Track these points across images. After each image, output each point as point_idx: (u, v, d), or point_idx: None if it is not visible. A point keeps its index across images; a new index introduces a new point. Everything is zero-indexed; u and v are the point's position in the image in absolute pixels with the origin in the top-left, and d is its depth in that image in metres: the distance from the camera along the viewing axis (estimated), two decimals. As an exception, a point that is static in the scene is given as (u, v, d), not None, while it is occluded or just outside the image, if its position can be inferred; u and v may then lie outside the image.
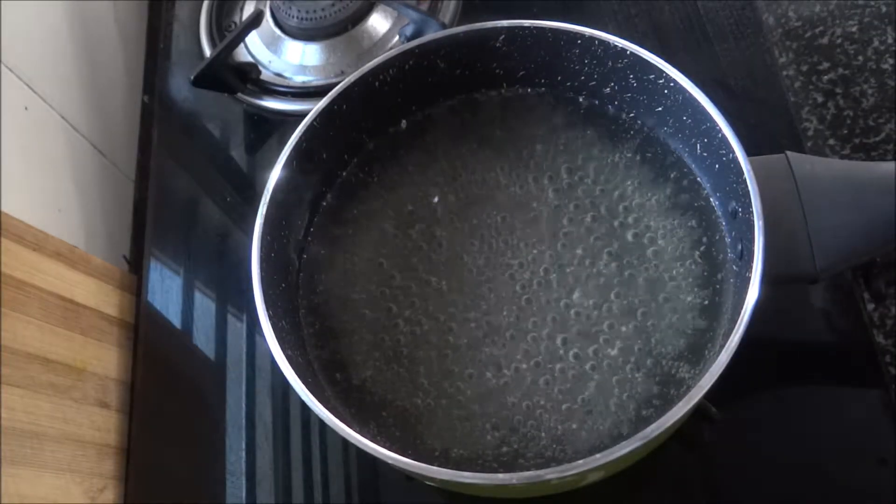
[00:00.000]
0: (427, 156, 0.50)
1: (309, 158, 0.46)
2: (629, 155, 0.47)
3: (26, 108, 0.55)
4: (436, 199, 0.48)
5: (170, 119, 0.66)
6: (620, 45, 0.44)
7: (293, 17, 0.62)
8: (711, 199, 0.45)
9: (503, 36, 0.47)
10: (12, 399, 0.45)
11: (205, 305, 0.57)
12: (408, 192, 0.49)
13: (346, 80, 0.46)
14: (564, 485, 0.40)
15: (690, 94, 0.42)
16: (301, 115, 0.46)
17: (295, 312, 0.46)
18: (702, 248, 0.44)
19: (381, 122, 0.50)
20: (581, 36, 0.45)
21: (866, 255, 0.42)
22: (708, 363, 0.40)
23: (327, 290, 0.47)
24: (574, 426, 0.41)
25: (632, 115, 0.48)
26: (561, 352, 0.43)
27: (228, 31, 0.67)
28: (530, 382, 0.42)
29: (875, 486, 0.44)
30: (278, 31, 0.64)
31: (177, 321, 0.58)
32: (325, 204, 0.49)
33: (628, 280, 0.44)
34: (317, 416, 0.38)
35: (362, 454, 0.37)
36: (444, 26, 0.58)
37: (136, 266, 0.63)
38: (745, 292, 0.37)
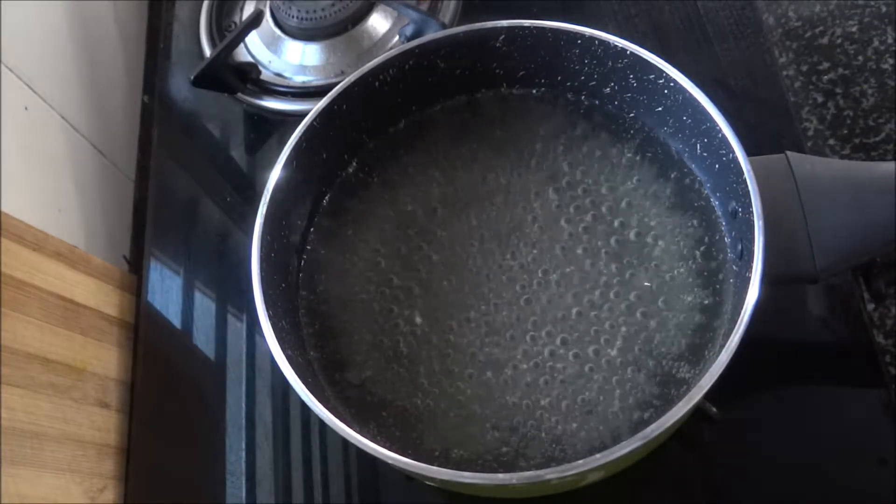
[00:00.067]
0: (427, 156, 0.50)
1: (309, 158, 0.46)
2: (629, 155, 0.47)
3: (26, 108, 0.55)
4: (436, 200, 0.48)
5: (170, 119, 0.66)
6: (620, 45, 0.44)
7: (293, 17, 0.62)
8: (711, 199, 0.45)
9: (503, 36, 0.47)
10: (12, 399, 0.45)
11: (205, 305, 0.58)
12: (408, 192, 0.49)
13: (346, 80, 0.46)
14: (564, 485, 0.40)
15: (690, 94, 0.42)
16: (301, 115, 0.46)
17: (295, 312, 0.46)
18: (702, 248, 0.44)
19: (381, 122, 0.50)
20: (581, 36, 0.45)
21: (866, 255, 0.42)
22: (708, 363, 0.40)
23: (327, 290, 0.47)
24: (574, 426, 0.41)
25: (632, 115, 0.48)
26: (561, 352, 0.43)
27: (228, 31, 0.67)
28: (530, 382, 0.42)
29: (875, 486, 0.44)
30: (278, 31, 0.64)
31: (177, 321, 0.58)
32: (325, 204, 0.49)
33: (628, 280, 0.44)
34: (317, 416, 0.38)
35: (362, 454, 0.37)
36: (444, 26, 0.58)
37: (136, 266, 0.63)
38: (745, 292, 0.37)
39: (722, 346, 0.36)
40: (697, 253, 0.44)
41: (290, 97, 0.62)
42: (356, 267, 0.47)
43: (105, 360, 0.55)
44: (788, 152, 0.43)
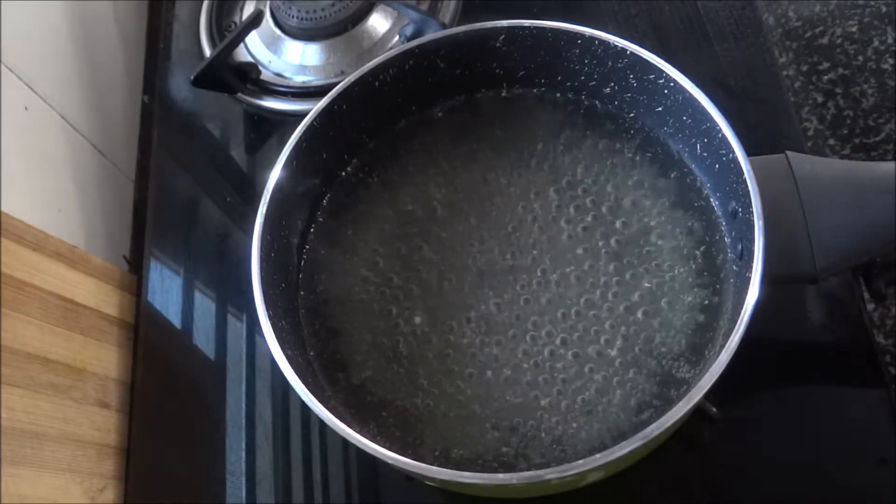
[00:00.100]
0: (427, 156, 0.50)
1: (309, 158, 0.46)
2: (629, 155, 0.47)
3: (26, 108, 0.55)
4: (436, 200, 0.48)
5: (170, 119, 0.66)
6: (620, 45, 0.44)
7: (293, 17, 0.62)
8: (711, 199, 0.45)
9: (503, 36, 0.47)
10: (12, 399, 0.45)
11: (205, 305, 0.58)
12: (408, 192, 0.49)
13: (346, 80, 0.46)
14: (564, 485, 0.40)
15: (690, 94, 0.42)
16: (301, 115, 0.46)
17: (295, 312, 0.46)
18: (702, 248, 0.44)
19: (381, 122, 0.50)
20: (581, 36, 0.45)
21: (866, 255, 0.42)
22: (708, 363, 0.40)
23: (327, 290, 0.47)
24: (574, 426, 0.41)
25: (632, 115, 0.48)
26: (561, 352, 0.43)
27: (228, 31, 0.67)
28: (530, 382, 0.42)
29: (875, 486, 0.44)
30: (278, 31, 0.64)
31: (177, 321, 0.58)
32: (325, 204, 0.49)
33: (628, 280, 0.44)
34: (317, 416, 0.38)
35: (362, 454, 0.37)
36: (444, 26, 0.58)
37: (136, 266, 0.63)
38: (745, 292, 0.37)
39: (722, 346, 0.36)
40: (697, 253, 0.44)
41: (290, 97, 0.62)
42: (356, 267, 0.47)
43: (105, 360, 0.55)
44: (788, 152, 0.43)
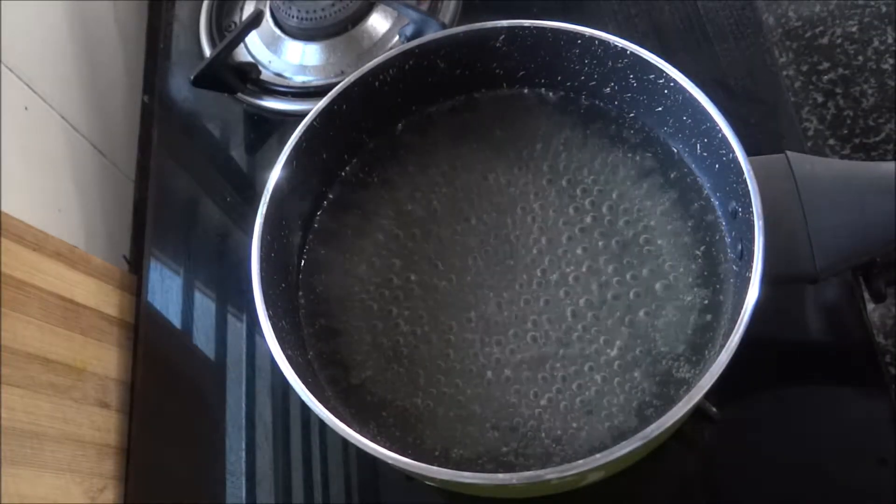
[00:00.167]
0: (427, 156, 0.50)
1: (309, 158, 0.46)
2: (629, 155, 0.47)
3: (26, 108, 0.55)
4: (436, 200, 0.48)
5: (170, 119, 0.66)
6: (620, 45, 0.44)
7: (293, 17, 0.62)
8: (711, 199, 0.45)
9: (503, 36, 0.47)
10: (12, 399, 0.45)
11: (205, 305, 0.58)
12: (408, 192, 0.49)
13: (346, 80, 0.46)
14: (564, 485, 0.40)
15: (690, 94, 0.42)
16: (301, 115, 0.46)
17: (295, 312, 0.46)
18: (702, 248, 0.44)
19: (381, 122, 0.50)
20: (581, 36, 0.45)
21: (866, 255, 0.42)
22: (708, 363, 0.40)
23: (327, 290, 0.47)
24: (574, 426, 0.41)
25: (632, 115, 0.48)
26: (561, 352, 0.43)
27: (228, 31, 0.67)
28: (530, 382, 0.42)
29: (875, 486, 0.44)
30: (278, 31, 0.64)
31: (177, 321, 0.58)
32: (325, 204, 0.49)
33: (628, 280, 0.44)
34: (317, 416, 0.38)
35: (362, 454, 0.37)
36: (444, 26, 0.58)
37: (136, 266, 0.63)
38: (745, 292, 0.37)
39: (722, 346, 0.36)
40: (697, 253, 0.44)
41: (290, 97, 0.62)
42: (356, 267, 0.47)
43: (105, 360, 0.55)
44: (788, 152, 0.43)
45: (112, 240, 0.63)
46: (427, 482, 0.43)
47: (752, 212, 0.38)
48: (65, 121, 0.59)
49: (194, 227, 0.61)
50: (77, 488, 0.49)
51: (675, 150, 0.47)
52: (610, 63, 0.45)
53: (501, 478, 0.35)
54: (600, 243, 0.45)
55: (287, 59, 0.63)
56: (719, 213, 0.44)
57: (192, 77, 0.60)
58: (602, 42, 0.44)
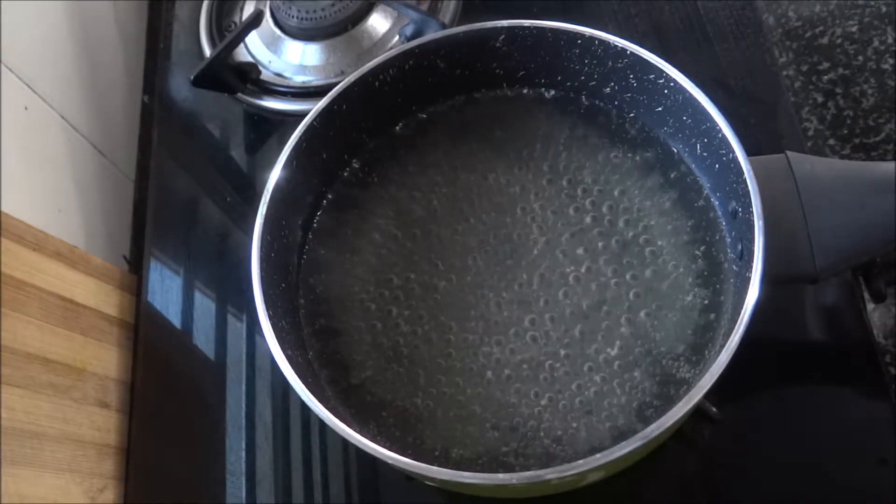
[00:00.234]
0: (427, 156, 0.50)
1: (309, 158, 0.46)
2: (629, 155, 0.47)
3: (26, 108, 0.55)
4: (436, 200, 0.48)
5: (170, 119, 0.66)
6: (620, 45, 0.44)
7: (293, 17, 0.62)
8: (711, 199, 0.45)
9: (503, 36, 0.47)
10: (12, 399, 0.45)
11: (205, 305, 0.58)
12: (408, 192, 0.49)
13: (346, 80, 0.46)
14: (564, 485, 0.40)
15: (690, 94, 0.42)
16: (301, 115, 0.46)
17: (295, 312, 0.46)
18: (702, 248, 0.44)
19: (381, 122, 0.50)
20: (581, 36, 0.45)
21: (866, 255, 0.42)
22: (708, 363, 0.40)
23: (327, 290, 0.47)
24: (574, 426, 0.41)
25: (632, 115, 0.48)
26: (561, 352, 0.43)
27: (228, 31, 0.67)
28: (530, 382, 0.42)
29: (875, 486, 0.44)
30: (278, 31, 0.64)
31: (177, 321, 0.58)
32: (325, 204, 0.49)
33: (628, 280, 0.44)
34: (317, 416, 0.38)
35: (362, 454, 0.37)
36: (444, 26, 0.58)
37: (136, 266, 0.63)
38: (745, 292, 0.37)
39: (722, 346, 0.36)
40: (697, 253, 0.44)
41: (290, 97, 0.62)
42: (356, 267, 0.47)
43: (105, 360, 0.55)
44: (788, 152, 0.43)
45: (112, 240, 0.63)
46: (427, 482, 0.43)
47: (752, 212, 0.38)
48: (65, 121, 0.59)
49: (194, 227, 0.61)
50: (77, 488, 0.49)
51: (675, 150, 0.47)
52: (610, 63, 0.45)
53: (501, 478, 0.35)
54: (600, 243, 0.45)
55: (287, 59, 0.63)
56: (719, 213, 0.44)
57: (192, 77, 0.60)
58: (602, 42, 0.44)
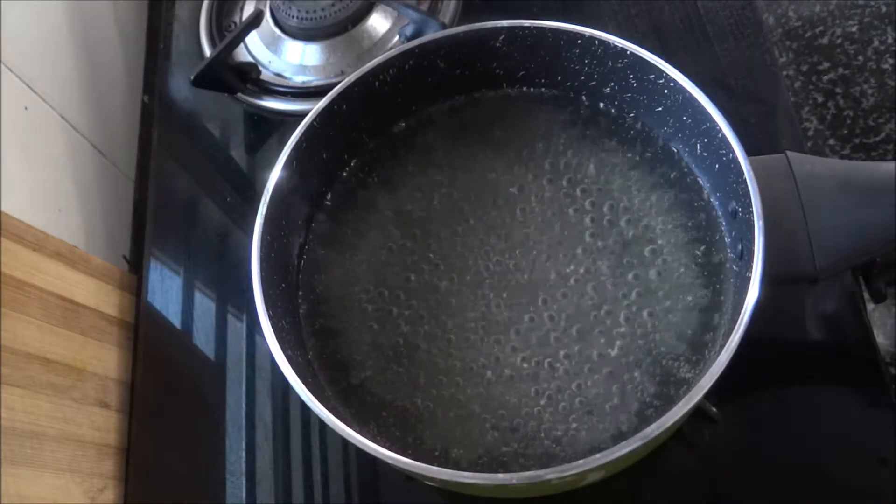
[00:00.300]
0: (427, 155, 0.50)
1: (309, 158, 0.46)
2: (629, 155, 0.47)
3: (26, 108, 0.55)
4: (436, 200, 0.48)
5: (170, 119, 0.66)
6: (620, 45, 0.44)
7: (293, 17, 0.62)
8: (711, 199, 0.45)
9: (503, 36, 0.47)
10: (12, 399, 0.45)
11: (205, 305, 0.58)
12: (408, 192, 0.49)
13: (346, 80, 0.46)
14: (564, 485, 0.40)
15: (690, 94, 0.42)
16: (301, 115, 0.46)
17: (295, 312, 0.46)
18: (702, 248, 0.44)
19: (381, 122, 0.50)
20: (581, 36, 0.45)
21: (866, 255, 0.42)
22: (708, 363, 0.40)
23: (327, 290, 0.47)
24: (574, 426, 0.41)
25: (632, 115, 0.48)
26: (561, 351, 0.43)
27: (228, 31, 0.67)
28: (530, 382, 0.42)
29: (875, 486, 0.44)
30: (278, 31, 0.64)
31: (177, 321, 0.58)
32: (325, 204, 0.49)
33: (628, 280, 0.44)
34: (317, 416, 0.38)
35: (362, 454, 0.37)
36: (444, 26, 0.58)
37: (136, 266, 0.63)
38: (745, 292, 0.37)
39: (722, 346, 0.36)
40: (697, 253, 0.44)
41: (290, 97, 0.62)
42: (356, 267, 0.47)
43: (105, 360, 0.55)
44: (788, 152, 0.43)
45: (112, 240, 0.63)
46: (427, 482, 0.43)
47: (752, 212, 0.38)
48: (65, 121, 0.59)
49: (194, 227, 0.61)
50: (77, 488, 0.49)
51: (675, 150, 0.47)
52: (610, 63, 0.45)
53: (501, 478, 0.35)
54: (600, 243, 0.45)
55: (287, 59, 0.63)
56: (719, 213, 0.44)
57: (192, 77, 0.60)
58: (602, 42, 0.44)
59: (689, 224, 0.45)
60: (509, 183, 0.48)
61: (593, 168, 0.48)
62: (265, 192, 0.44)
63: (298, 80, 0.63)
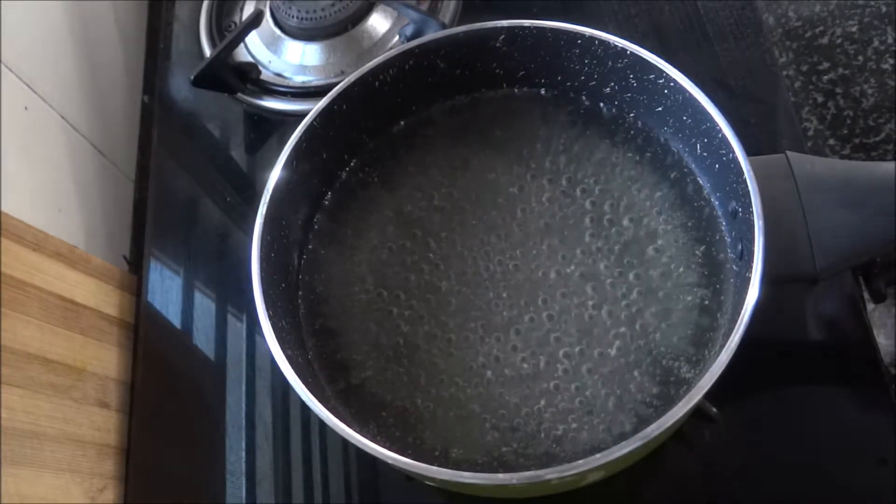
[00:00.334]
0: (427, 156, 0.50)
1: (309, 158, 0.46)
2: (629, 155, 0.47)
3: (26, 108, 0.55)
4: (436, 200, 0.48)
5: (170, 119, 0.66)
6: (620, 45, 0.44)
7: (293, 17, 0.62)
8: (711, 199, 0.45)
9: (503, 36, 0.47)
10: (12, 399, 0.45)
11: (205, 305, 0.58)
12: (408, 192, 0.49)
13: (346, 80, 0.46)
14: (564, 485, 0.40)
15: (690, 94, 0.42)
16: (301, 115, 0.46)
17: (295, 312, 0.46)
18: (702, 248, 0.44)
19: (381, 122, 0.50)
20: (581, 36, 0.45)
21: (866, 255, 0.42)
22: (708, 363, 0.40)
23: (327, 290, 0.47)
24: (574, 426, 0.41)
25: (632, 115, 0.48)
26: (561, 352, 0.43)
27: (228, 31, 0.67)
28: (530, 382, 0.42)
29: (875, 486, 0.44)
30: (278, 31, 0.64)
31: (177, 321, 0.58)
32: (325, 204, 0.49)
33: (628, 280, 0.44)
34: (317, 416, 0.38)
35: (362, 454, 0.37)
36: (444, 26, 0.58)
37: (136, 266, 0.63)
38: (745, 292, 0.37)
39: (722, 346, 0.36)
40: (697, 253, 0.44)
41: (290, 97, 0.62)
42: (356, 267, 0.47)
43: (105, 360, 0.55)
44: (788, 152, 0.43)
45: (112, 240, 0.63)
46: (427, 482, 0.43)
47: (752, 212, 0.38)
48: (65, 121, 0.59)
49: (194, 227, 0.61)
50: (77, 488, 0.49)
51: (675, 150, 0.47)
52: (610, 63, 0.45)
53: (501, 478, 0.35)
54: (600, 243, 0.45)
55: (287, 59, 0.63)
56: (719, 213, 0.44)
57: (192, 77, 0.60)
58: (602, 42, 0.44)
59: (689, 224, 0.45)
60: (509, 183, 0.48)
61: (593, 168, 0.48)
62: (265, 192, 0.44)
63: (298, 80, 0.63)
